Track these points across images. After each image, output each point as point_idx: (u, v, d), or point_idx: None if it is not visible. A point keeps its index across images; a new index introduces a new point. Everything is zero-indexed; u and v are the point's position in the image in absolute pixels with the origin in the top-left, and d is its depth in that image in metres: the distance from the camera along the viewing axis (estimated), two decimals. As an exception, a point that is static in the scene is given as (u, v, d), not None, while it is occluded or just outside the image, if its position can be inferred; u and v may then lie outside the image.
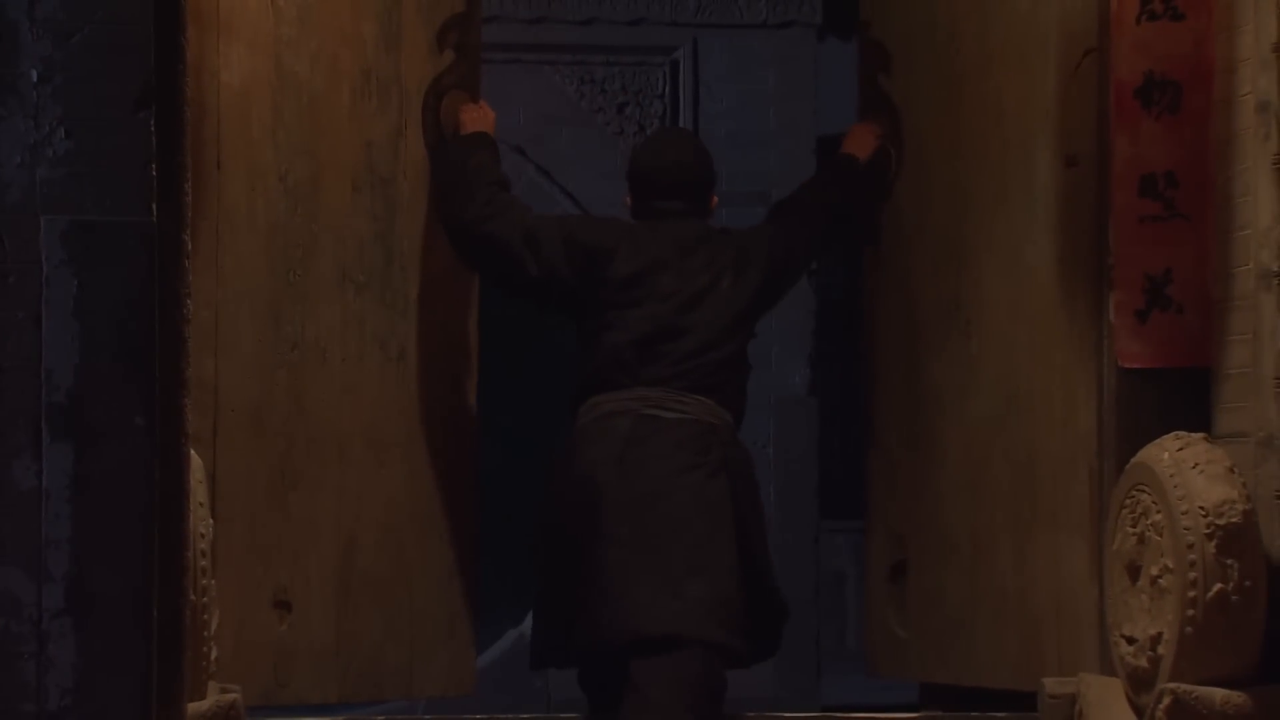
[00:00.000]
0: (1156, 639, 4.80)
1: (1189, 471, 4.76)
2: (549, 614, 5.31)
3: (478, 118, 5.54)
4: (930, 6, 5.71)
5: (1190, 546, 4.69)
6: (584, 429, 5.28)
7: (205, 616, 4.57)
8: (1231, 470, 4.76)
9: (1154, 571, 4.83)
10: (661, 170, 5.47)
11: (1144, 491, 4.88)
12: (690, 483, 5.18)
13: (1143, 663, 4.85)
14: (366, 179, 5.34)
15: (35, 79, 3.79)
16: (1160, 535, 4.81)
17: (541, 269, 5.34)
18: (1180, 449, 4.82)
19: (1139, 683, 4.88)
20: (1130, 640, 4.91)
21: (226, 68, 5.16)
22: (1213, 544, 4.69)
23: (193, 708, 4.28)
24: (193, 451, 4.18)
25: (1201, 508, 4.70)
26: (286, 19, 5.24)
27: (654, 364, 5.26)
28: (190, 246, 4.07)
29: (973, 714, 5.37)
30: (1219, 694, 4.68)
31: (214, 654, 4.72)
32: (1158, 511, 4.82)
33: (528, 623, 7.80)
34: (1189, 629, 4.70)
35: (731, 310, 5.34)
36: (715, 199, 5.55)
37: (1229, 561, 4.68)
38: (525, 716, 5.87)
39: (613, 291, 5.30)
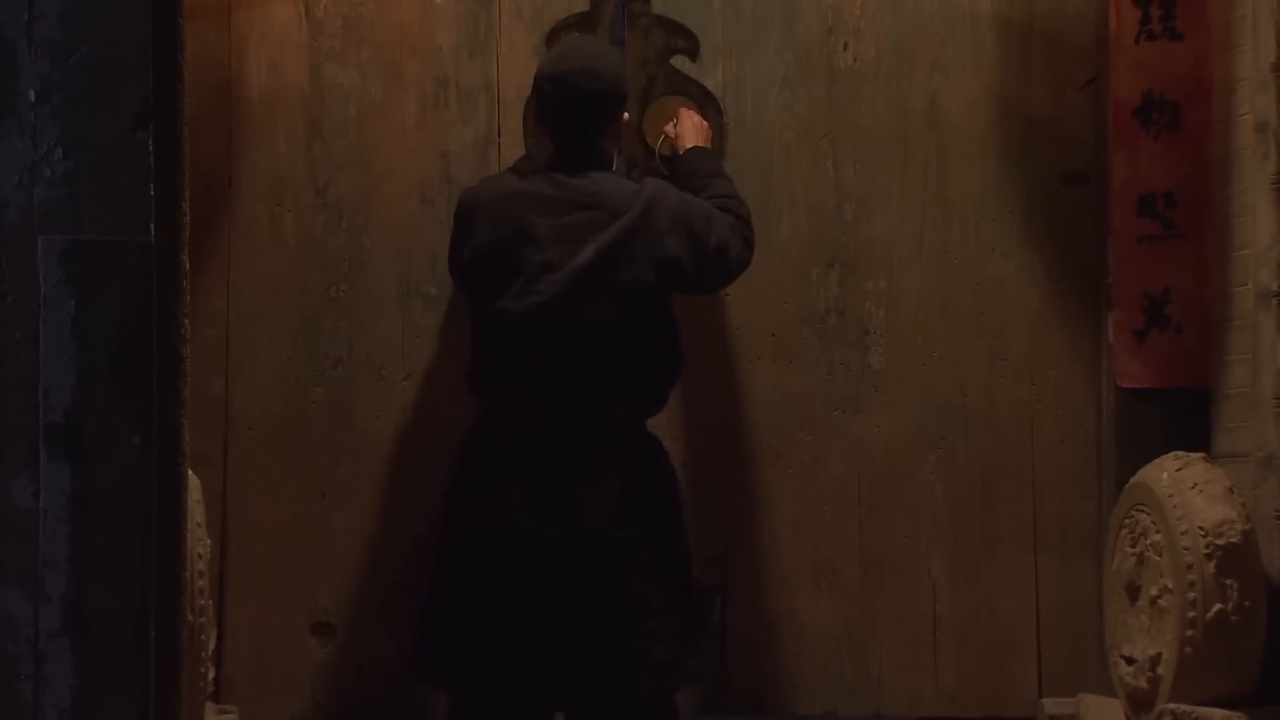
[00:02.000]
0: (1156, 659, 4.79)
1: (1188, 491, 4.76)
2: (448, 632, 4.68)
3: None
4: None
5: (1189, 566, 4.69)
6: (492, 440, 4.68)
7: (203, 637, 4.57)
8: (1231, 490, 4.76)
9: (1153, 592, 4.82)
10: (552, 84, 4.76)
11: (1143, 511, 4.88)
12: (616, 548, 4.60)
13: (1142, 683, 4.84)
14: (441, 189, 5.21)
15: (33, 99, 3.78)
16: (1159, 555, 4.81)
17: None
18: (1179, 469, 4.82)
19: (1138, 703, 4.87)
20: (1130, 660, 4.90)
21: (242, 83, 5.16)
22: (1212, 564, 4.68)
23: (190, 728, 4.27)
24: (190, 471, 4.17)
25: (1201, 528, 4.70)
26: (327, 30, 5.23)
27: (554, 360, 4.62)
28: (188, 266, 4.07)
29: (972, 725, 5.37)
30: (1219, 715, 4.67)
31: (211, 674, 4.71)
32: (1157, 531, 4.81)
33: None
34: (1188, 649, 4.69)
35: (632, 292, 4.65)
36: (625, 117, 4.84)
37: (1228, 582, 4.68)
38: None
39: (482, 262, 4.72)
